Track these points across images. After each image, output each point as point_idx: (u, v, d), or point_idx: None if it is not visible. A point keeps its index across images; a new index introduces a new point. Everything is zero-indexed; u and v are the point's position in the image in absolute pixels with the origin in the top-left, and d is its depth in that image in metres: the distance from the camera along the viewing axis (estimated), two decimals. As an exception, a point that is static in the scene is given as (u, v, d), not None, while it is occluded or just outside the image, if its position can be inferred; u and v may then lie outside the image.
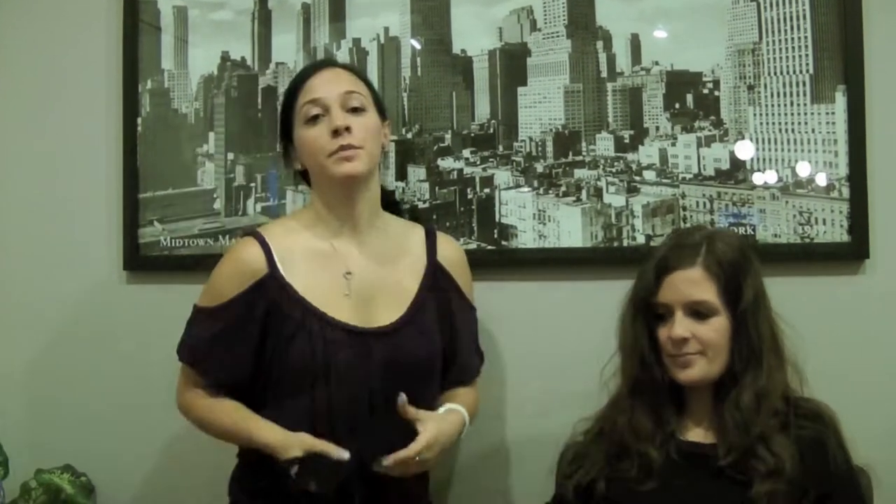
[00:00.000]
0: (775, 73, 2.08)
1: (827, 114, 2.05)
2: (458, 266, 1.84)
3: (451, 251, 1.85)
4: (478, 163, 2.17)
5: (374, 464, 1.60)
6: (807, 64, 2.06)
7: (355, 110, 1.71)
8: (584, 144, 2.14)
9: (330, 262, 1.73)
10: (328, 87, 1.71)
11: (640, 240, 2.10)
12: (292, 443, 1.62)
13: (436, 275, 1.80)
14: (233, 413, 1.72)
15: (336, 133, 1.67)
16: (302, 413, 1.67)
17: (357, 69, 1.82)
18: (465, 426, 1.77)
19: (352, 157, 1.68)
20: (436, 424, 1.66)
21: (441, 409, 1.74)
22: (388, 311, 1.73)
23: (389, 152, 2.17)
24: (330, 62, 1.81)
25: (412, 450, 1.61)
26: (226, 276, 1.73)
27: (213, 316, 1.72)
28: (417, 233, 1.84)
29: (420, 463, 1.64)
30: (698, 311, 1.64)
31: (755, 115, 2.08)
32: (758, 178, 2.07)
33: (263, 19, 2.24)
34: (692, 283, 1.64)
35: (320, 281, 1.71)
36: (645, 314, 1.69)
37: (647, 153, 2.12)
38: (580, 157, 2.14)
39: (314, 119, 1.70)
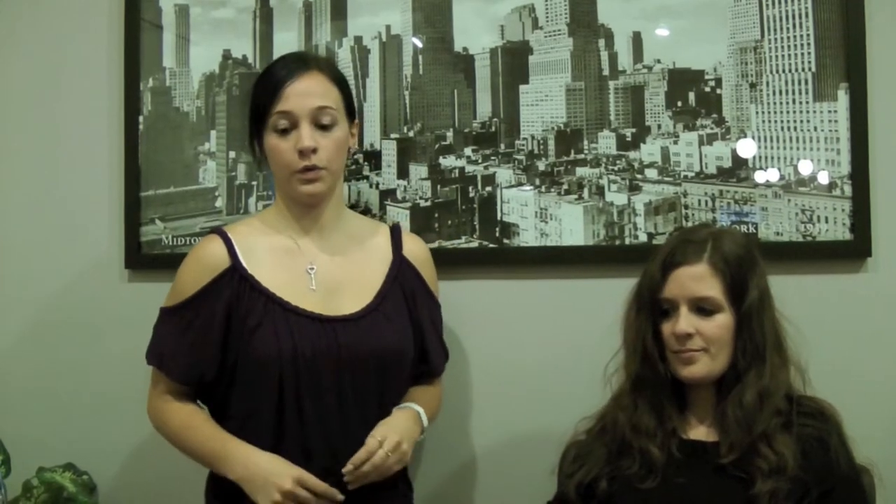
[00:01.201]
0: (777, 71, 2.07)
1: (829, 111, 2.05)
2: (423, 261, 1.86)
3: (416, 246, 1.87)
4: (479, 161, 2.17)
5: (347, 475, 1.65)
6: (809, 62, 2.05)
7: (324, 127, 1.72)
8: (585, 142, 2.14)
9: (294, 257, 1.76)
10: (301, 100, 1.71)
11: (642, 238, 2.10)
12: (279, 475, 1.63)
13: (401, 267, 1.82)
14: (206, 431, 1.72)
15: (302, 153, 1.69)
16: (270, 411, 1.68)
17: (332, 70, 1.80)
18: (422, 422, 1.77)
19: (314, 179, 1.71)
20: (382, 425, 1.69)
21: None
22: (353, 301, 1.74)
23: (391, 151, 2.18)
24: (307, 62, 1.77)
25: (362, 454, 1.65)
26: (188, 273, 1.74)
27: (177, 314, 1.73)
28: (382, 230, 1.88)
29: (386, 464, 1.67)
30: (703, 308, 1.64)
31: (757, 112, 2.08)
32: (760, 177, 2.07)
33: (265, 17, 2.23)
34: (698, 279, 1.64)
35: (284, 275, 1.73)
36: (649, 309, 1.69)
37: (649, 151, 2.12)
38: (582, 156, 2.14)
39: (284, 131, 1.71)
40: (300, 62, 1.76)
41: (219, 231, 1.78)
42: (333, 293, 1.74)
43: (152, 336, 1.77)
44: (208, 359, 1.71)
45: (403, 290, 1.80)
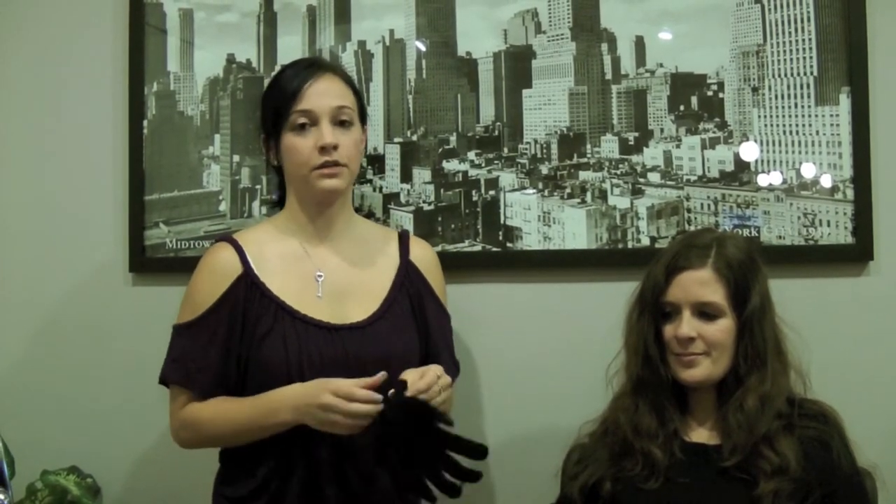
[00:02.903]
0: (779, 75, 2.08)
1: (831, 115, 2.05)
2: (430, 266, 1.85)
3: (423, 251, 1.87)
4: (483, 165, 2.17)
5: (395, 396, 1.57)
6: (811, 66, 2.06)
7: (343, 124, 1.73)
8: (588, 146, 2.14)
9: (302, 264, 1.76)
10: (321, 99, 1.72)
11: (645, 241, 2.11)
12: (315, 395, 1.57)
13: (407, 272, 1.81)
14: (240, 402, 1.68)
15: (323, 149, 1.70)
16: None
17: (346, 75, 1.82)
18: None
19: (335, 175, 1.71)
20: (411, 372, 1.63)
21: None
22: (360, 309, 1.74)
23: (394, 154, 2.19)
24: (323, 66, 1.79)
25: (428, 379, 1.60)
26: (204, 284, 1.73)
27: (198, 326, 1.71)
28: (391, 235, 1.88)
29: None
30: (705, 312, 1.65)
31: (759, 116, 2.09)
32: (762, 180, 2.07)
33: (269, 21, 2.24)
34: (701, 283, 1.65)
35: (293, 282, 1.73)
36: (652, 312, 1.70)
37: (652, 155, 2.12)
38: (585, 159, 2.14)
39: (302, 128, 1.72)
40: (315, 66, 1.78)
41: (228, 238, 1.77)
42: (341, 300, 1.74)
43: (170, 354, 1.74)
44: (233, 367, 1.70)
45: (410, 296, 1.80)
